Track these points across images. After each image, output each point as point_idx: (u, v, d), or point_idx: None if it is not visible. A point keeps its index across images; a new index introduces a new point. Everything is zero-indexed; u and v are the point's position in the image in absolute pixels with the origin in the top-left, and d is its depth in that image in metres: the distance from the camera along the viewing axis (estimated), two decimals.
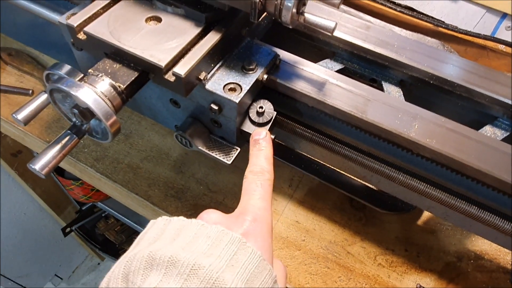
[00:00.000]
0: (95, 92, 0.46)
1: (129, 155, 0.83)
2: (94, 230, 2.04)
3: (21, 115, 0.57)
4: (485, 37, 0.90)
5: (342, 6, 0.83)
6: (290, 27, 0.50)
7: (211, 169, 0.81)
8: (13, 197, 1.83)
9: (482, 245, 0.73)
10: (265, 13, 0.50)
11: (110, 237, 2.00)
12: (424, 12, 0.95)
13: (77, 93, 0.44)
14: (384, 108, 0.56)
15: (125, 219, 1.70)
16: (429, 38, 0.94)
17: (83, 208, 1.91)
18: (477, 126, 0.62)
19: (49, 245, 2.24)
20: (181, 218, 0.39)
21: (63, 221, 1.94)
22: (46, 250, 2.26)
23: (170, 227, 0.38)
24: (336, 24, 0.49)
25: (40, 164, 0.47)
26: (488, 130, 0.61)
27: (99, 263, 2.65)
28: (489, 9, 0.92)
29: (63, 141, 0.49)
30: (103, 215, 2.00)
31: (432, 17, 0.94)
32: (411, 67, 0.62)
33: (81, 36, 0.52)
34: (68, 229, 1.89)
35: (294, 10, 0.48)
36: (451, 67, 0.62)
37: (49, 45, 0.93)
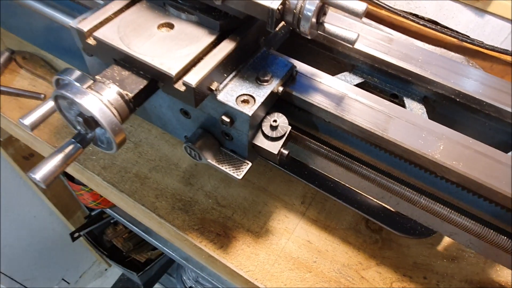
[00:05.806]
0: (100, 100, 0.44)
1: (137, 164, 0.80)
2: (102, 236, 2.02)
3: (27, 121, 0.55)
4: None
5: (363, 19, 0.80)
6: (309, 37, 0.47)
7: (221, 182, 0.78)
8: (24, 200, 1.84)
9: (508, 276, 0.68)
10: (282, 22, 0.48)
11: (118, 244, 1.98)
12: (449, 26, 0.91)
13: (81, 101, 0.42)
14: (406, 126, 0.52)
15: (133, 227, 1.68)
16: (452, 53, 0.90)
17: (92, 213, 1.90)
18: (506, 148, 0.58)
19: (57, 249, 2.23)
20: None
21: (72, 225, 1.94)
22: (54, 254, 2.26)
23: None
24: (358, 35, 0.46)
25: (42, 174, 0.44)
26: None
27: (106, 269, 2.63)
28: None
29: (66, 150, 0.47)
30: (111, 221, 1.98)
31: (457, 32, 0.90)
32: (437, 83, 0.58)
33: (91, 41, 0.50)
34: (76, 234, 1.88)
35: (314, 20, 0.45)
36: (479, 84, 0.58)
37: (63, 50, 0.92)
